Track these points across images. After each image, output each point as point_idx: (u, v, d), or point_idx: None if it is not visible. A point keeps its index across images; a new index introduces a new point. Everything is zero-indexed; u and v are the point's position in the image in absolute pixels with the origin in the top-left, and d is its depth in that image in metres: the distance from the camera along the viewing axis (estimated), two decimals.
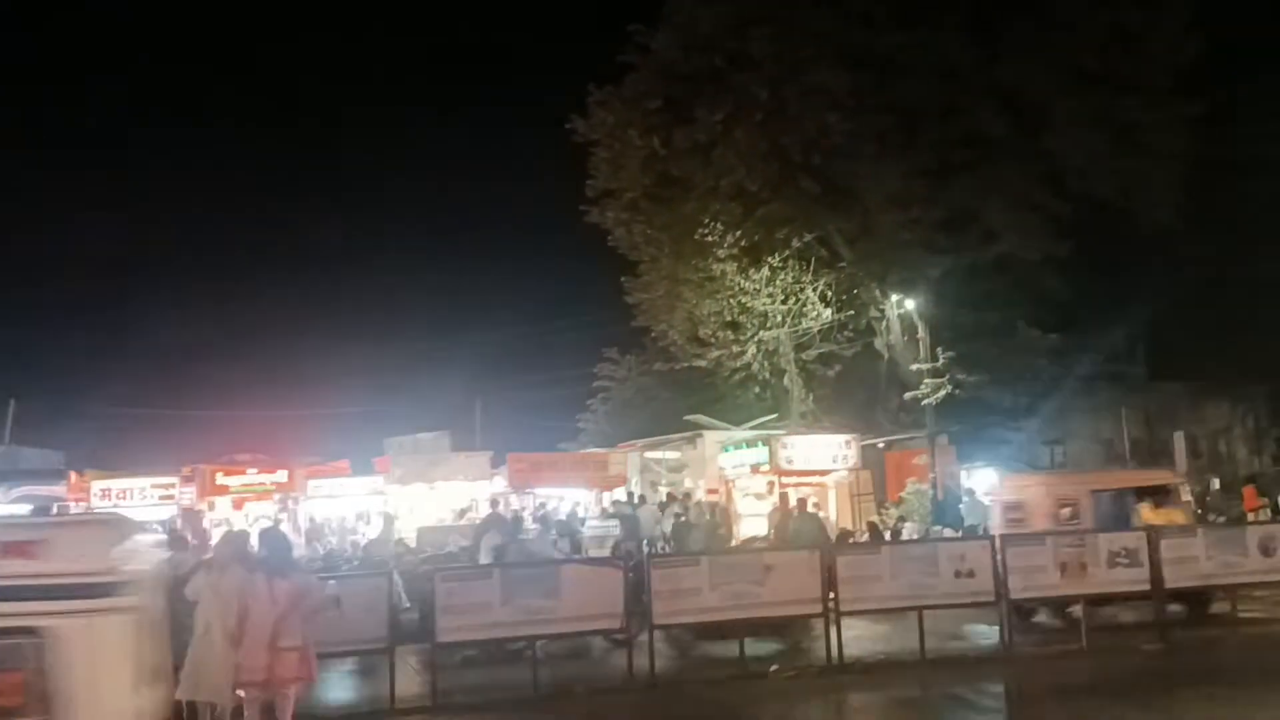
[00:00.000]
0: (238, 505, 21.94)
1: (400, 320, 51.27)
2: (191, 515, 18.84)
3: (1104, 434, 31.31)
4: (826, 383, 29.21)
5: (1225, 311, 27.63)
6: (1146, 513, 14.00)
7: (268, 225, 56.93)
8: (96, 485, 22.41)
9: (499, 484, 23.46)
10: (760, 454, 21.98)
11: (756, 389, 30.01)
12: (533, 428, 37.15)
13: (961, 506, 19.79)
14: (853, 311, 28.23)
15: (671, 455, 25.18)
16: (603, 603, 10.92)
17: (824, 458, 21.96)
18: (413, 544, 18.38)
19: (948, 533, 18.58)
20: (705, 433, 24.40)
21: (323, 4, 65.22)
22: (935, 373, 25.90)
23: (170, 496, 22.10)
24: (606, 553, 16.92)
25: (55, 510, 20.70)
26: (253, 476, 22.51)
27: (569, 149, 28.55)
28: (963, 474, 23.89)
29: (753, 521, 20.32)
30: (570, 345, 37.95)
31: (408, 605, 12.88)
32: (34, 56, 56.56)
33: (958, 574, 11.70)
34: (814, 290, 27.88)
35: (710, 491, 22.30)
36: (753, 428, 24.64)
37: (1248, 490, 22.28)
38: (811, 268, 27.92)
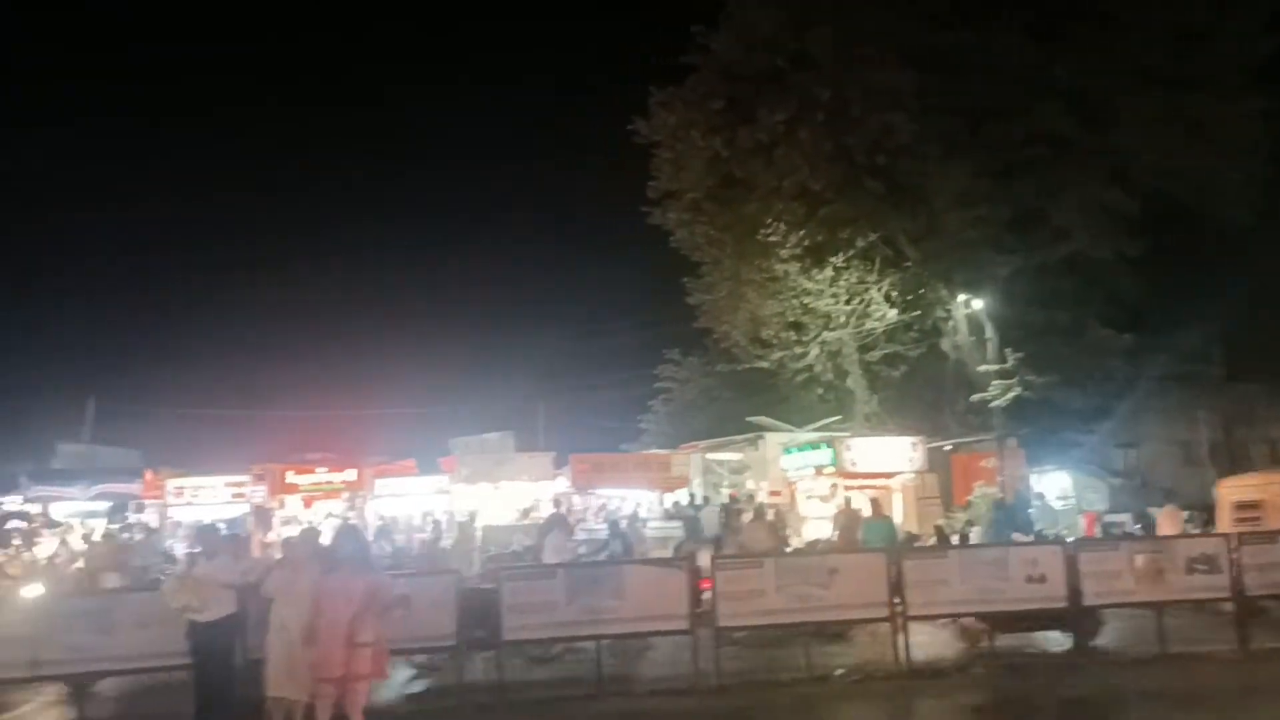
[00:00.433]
0: (307, 503, 22.42)
1: (465, 323, 52.04)
2: (262, 513, 19.34)
3: (1179, 436, 30.46)
4: (891, 384, 28.84)
5: None
6: None
7: (341, 230, 58.19)
8: (171, 484, 23.08)
9: (562, 484, 23.64)
10: (824, 456, 21.81)
11: (820, 390, 29.77)
12: (595, 428, 37.33)
13: (1032, 511, 19.41)
14: (918, 312, 27.76)
15: (734, 457, 25.11)
16: (666, 603, 10.95)
17: (889, 460, 21.75)
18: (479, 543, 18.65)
19: (1017, 538, 18.23)
20: (767, 434, 24.23)
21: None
22: (1004, 374, 25.42)
23: (242, 495, 22.70)
24: (669, 553, 17.03)
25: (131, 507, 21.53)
26: (322, 475, 23.01)
27: (631, 150, 28.57)
28: (1032, 478, 23.45)
29: (816, 524, 20.20)
30: (632, 346, 38.13)
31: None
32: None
33: (1029, 579, 11.54)
34: (878, 290, 27.47)
35: (773, 493, 22.15)
36: (816, 429, 24.46)
37: None
38: (876, 268, 27.49)
